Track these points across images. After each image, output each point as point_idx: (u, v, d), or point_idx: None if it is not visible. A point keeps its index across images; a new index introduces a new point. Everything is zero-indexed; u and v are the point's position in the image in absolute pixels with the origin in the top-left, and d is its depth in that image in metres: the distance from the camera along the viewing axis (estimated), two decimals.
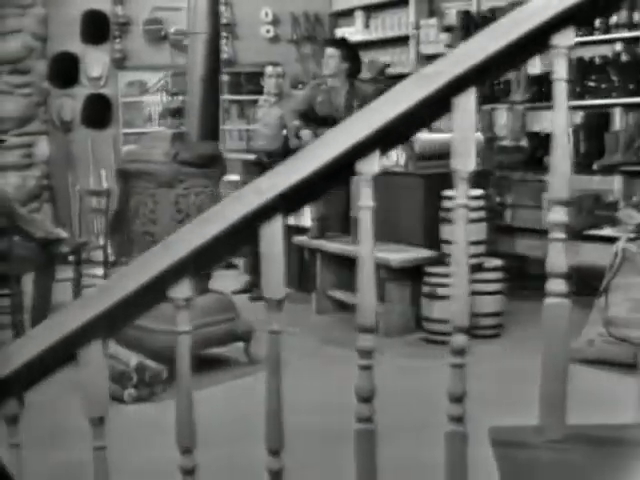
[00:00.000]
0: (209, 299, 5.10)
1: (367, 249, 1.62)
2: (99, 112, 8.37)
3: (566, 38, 1.51)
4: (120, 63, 8.51)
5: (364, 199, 1.60)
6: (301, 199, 1.62)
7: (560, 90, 1.57)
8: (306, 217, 7.07)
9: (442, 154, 6.09)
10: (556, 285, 1.59)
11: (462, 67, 1.50)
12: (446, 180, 6.27)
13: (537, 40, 1.51)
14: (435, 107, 1.57)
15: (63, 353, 1.67)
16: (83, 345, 1.66)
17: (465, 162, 1.58)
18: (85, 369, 1.68)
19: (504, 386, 4.65)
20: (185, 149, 4.82)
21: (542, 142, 7.24)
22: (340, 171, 1.58)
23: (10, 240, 5.20)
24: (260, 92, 8.96)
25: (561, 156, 1.57)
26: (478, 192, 5.83)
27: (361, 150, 1.56)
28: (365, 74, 7.29)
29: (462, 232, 1.63)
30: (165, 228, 4.87)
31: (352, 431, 1.66)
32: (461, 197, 1.60)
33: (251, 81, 8.90)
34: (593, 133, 6.88)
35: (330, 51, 6.42)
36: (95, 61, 8.33)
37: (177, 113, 7.78)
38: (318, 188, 1.63)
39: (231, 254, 1.69)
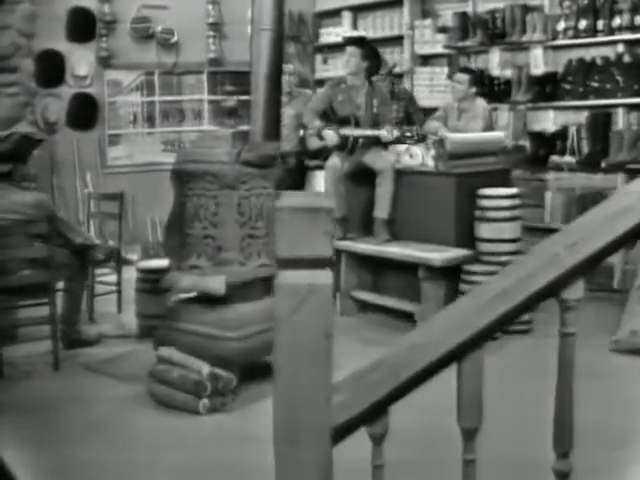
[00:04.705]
0: (266, 304, 4.97)
1: None
2: (85, 112, 8.06)
3: None
4: (106, 62, 8.22)
5: None
6: None
7: None
8: None
9: (473, 153, 6.16)
10: None
11: None
12: (478, 179, 6.31)
13: None
14: None
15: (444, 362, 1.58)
16: (469, 353, 1.58)
17: None
18: (465, 378, 1.60)
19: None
20: (248, 149, 4.68)
21: (544, 142, 7.40)
22: None
23: (51, 247, 4.93)
24: (247, 92, 8.83)
25: None
26: (513, 191, 5.89)
27: None
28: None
29: None
30: (227, 231, 4.72)
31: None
32: None
33: (238, 80, 8.76)
34: (596, 132, 7.05)
35: (350, 50, 6.35)
36: (81, 59, 8.01)
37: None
38: None
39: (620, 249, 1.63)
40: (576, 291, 1.59)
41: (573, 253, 1.54)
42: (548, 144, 7.34)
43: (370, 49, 6.46)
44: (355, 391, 1.60)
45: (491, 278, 1.63)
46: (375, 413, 1.61)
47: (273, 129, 4.62)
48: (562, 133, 7.27)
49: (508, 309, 1.55)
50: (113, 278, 6.43)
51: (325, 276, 1.54)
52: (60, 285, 5.41)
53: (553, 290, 1.58)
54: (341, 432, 1.60)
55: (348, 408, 1.58)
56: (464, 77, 6.75)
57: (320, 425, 1.57)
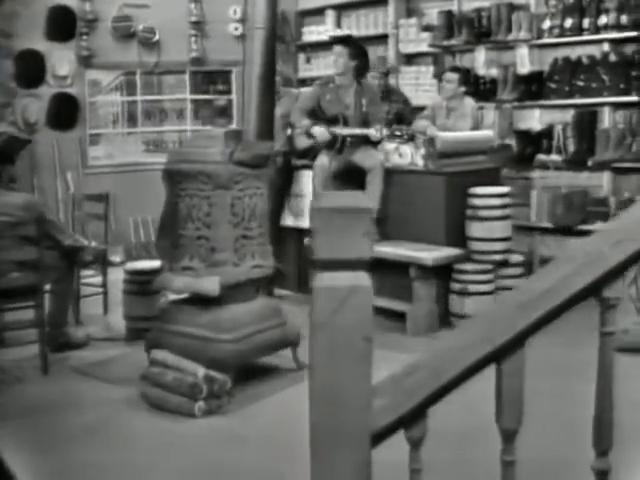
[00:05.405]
0: (259, 305, 4.92)
1: None
2: (65, 112, 7.94)
3: None
4: (87, 61, 8.10)
5: None
6: None
7: None
8: (306, 218, 6.94)
9: (463, 152, 6.14)
10: None
11: None
12: (468, 178, 6.30)
13: None
14: None
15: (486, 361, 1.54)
16: (512, 353, 1.54)
17: None
18: (506, 378, 1.56)
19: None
20: (241, 149, 4.62)
21: (530, 140, 7.41)
22: None
23: (40, 249, 4.84)
24: (229, 91, 8.77)
25: None
26: (504, 189, 5.89)
27: None
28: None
29: None
30: (221, 232, 4.66)
31: None
32: None
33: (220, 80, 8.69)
34: (582, 131, 7.07)
35: (338, 49, 6.30)
36: (62, 59, 7.89)
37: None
38: None
39: None
40: (617, 289, 1.57)
41: (619, 251, 1.52)
42: (534, 143, 7.35)
43: (357, 48, 6.41)
44: (394, 394, 1.55)
45: (529, 279, 1.60)
46: (414, 416, 1.57)
47: (266, 128, 4.56)
48: (548, 132, 7.28)
49: (552, 307, 1.52)
50: (98, 280, 6.34)
51: (365, 278, 1.50)
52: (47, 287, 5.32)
53: (596, 288, 1.55)
54: (380, 435, 1.56)
55: (387, 411, 1.54)
56: (454, 76, 6.73)
57: (360, 428, 1.53)
